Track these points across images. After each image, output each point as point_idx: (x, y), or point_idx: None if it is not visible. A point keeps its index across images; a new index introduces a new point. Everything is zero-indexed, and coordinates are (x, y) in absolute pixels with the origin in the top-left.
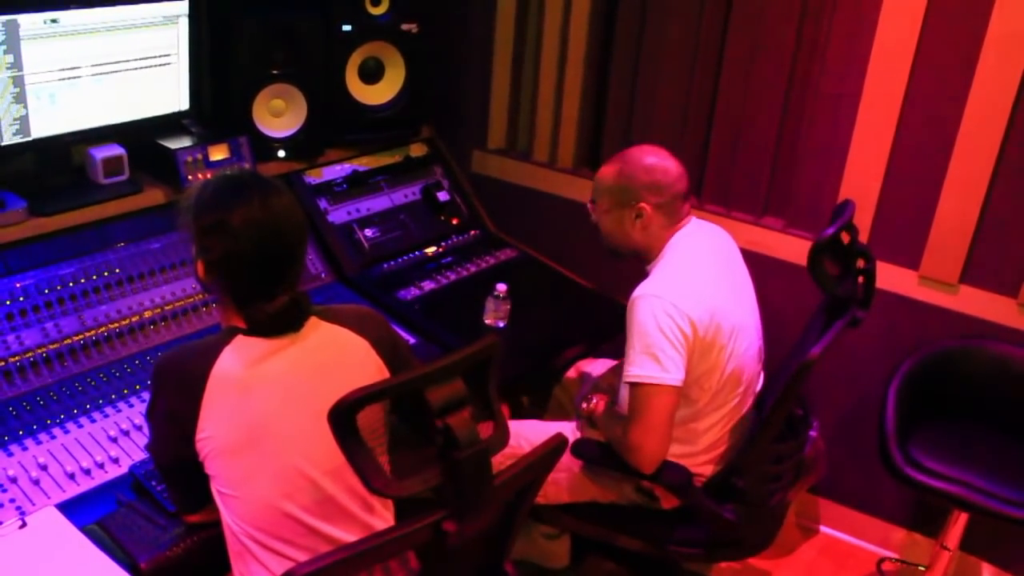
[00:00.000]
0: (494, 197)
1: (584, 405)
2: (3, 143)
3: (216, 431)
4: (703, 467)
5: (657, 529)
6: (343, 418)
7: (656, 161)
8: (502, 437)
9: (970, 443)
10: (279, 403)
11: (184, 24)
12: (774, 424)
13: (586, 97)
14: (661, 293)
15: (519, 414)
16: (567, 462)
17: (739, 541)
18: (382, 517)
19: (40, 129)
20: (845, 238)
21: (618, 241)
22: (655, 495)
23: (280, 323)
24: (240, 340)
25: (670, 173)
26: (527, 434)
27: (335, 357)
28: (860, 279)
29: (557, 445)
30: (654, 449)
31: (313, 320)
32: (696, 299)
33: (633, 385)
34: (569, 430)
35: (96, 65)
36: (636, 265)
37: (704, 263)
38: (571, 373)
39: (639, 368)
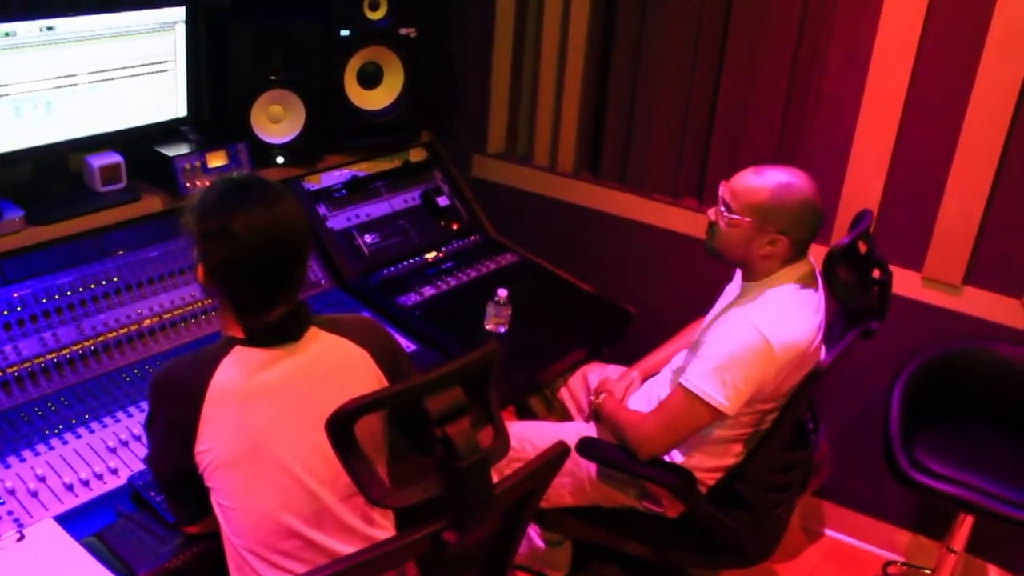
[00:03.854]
0: (494, 202)
1: (592, 398)
2: None
3: (215, 443)
4: (713, 474)
5: (662, 535)
6: (341, 429)
7: (815, 199)
8: (503, 446)
9: (975, 445)
10: (278, 414)
11: (181, 30)
12: (782, 432)
13: (586, 101)
14: (769, 335)
15: (525, 415)
16: (570, 466)
17: (742, 548)
18: (382, 528)
19: (37, 137)
20: (862, 247)
21: (731, 252)
22: (660, 501)
23: (279, 334)
24: (238, 351)
25: (820, 216)
26: (532, 437)
27: (335, 368)
28: (875, 289)
29: (559, 453)
30: (661, 447)
31: (313, 330)
32: (794, 350)
33: (687, 391)
34: (575, 432)
35: (93, 72)
36: (643, 271)
37: (809, 309)
38: (577, 377)
39: (703, 383)
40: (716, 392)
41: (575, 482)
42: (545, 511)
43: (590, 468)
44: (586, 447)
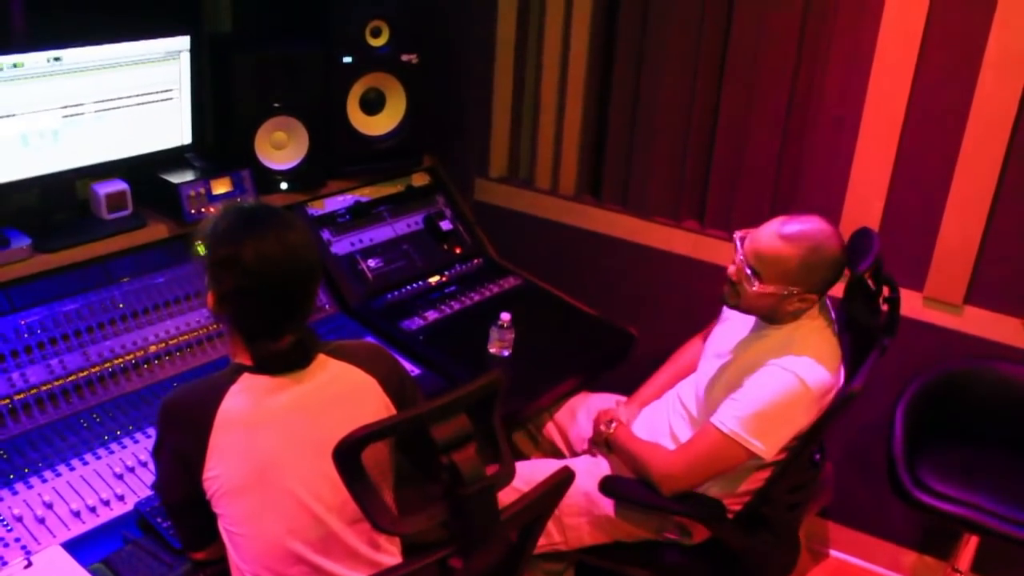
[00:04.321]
0: (497, 225)
1: (602, 428)
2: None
3: (223, 470)
4: (739, 499)
5: (683, 564)
6: (348, 456)
7: (842, 253)
8: (508, 472)
9: (979, 465)
10: (285, 441)
11: (186, 59)
12: (807, 453)
13: (587, 124)
14: (809, 380)
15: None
16: (587, 506)
17: (766, 570)
18: (389, 553)
19: (44, 166)
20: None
21: (757, 312)
22: (683, 530)
23: (287, 361)
24: (246, 378)
25: (841, 261)
26: (527, 474)
27: (342, 395)
28: (885, 308)
29: (563, 479)
30: (687, 485)
31: (321, 357)
32: (832, 389)
33: (722, 433)
34: (582, 468)
35: (99, 101)
36: (644, 293)
37: (834, 342)
38: (564, 411)
39: (741, 428)
40: (754, 438)
41: (593, 521)
42: (563, 553)
43: (608, 506)
44: (610, 486)
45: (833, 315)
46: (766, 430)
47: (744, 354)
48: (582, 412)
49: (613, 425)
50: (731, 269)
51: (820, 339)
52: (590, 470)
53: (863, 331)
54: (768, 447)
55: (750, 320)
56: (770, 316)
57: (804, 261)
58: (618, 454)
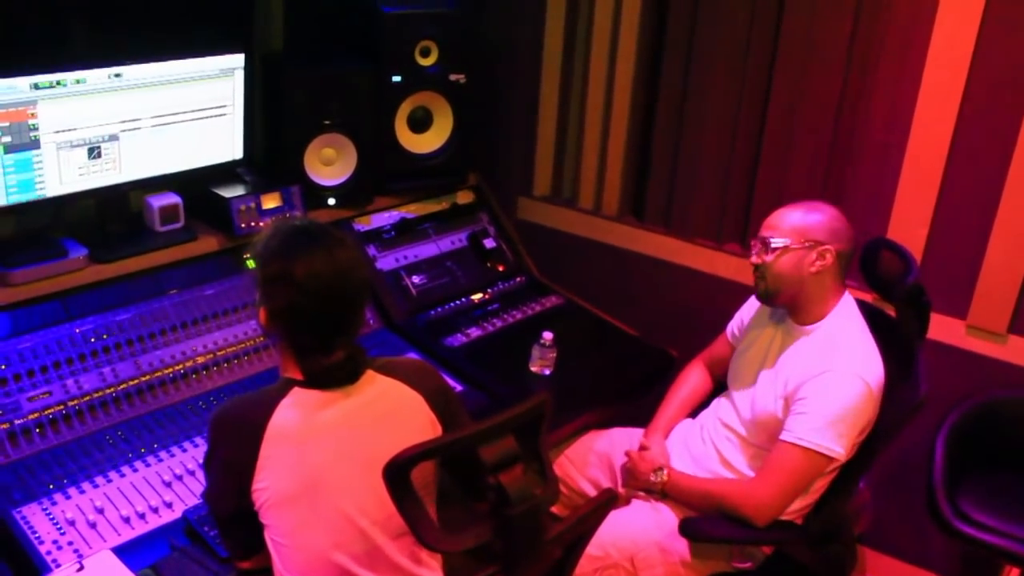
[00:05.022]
0: (539, 244)
1: (654, 478)
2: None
3: (273, 482)
4: (802, 512)
5: None
6: (398, 474)
7: (847, 226)
8: (553, 493)
9: (1021, 495)
10: (333, 454)
11: (240, 76)
12: (869, 463)
13: (631, 145)
14: (869, 378)
15: None
16: (658, 556)
17: None
18: (429, 567)
19: (102, 178)
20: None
21: (784, 282)
22: (751, 555)
23: (336, 376)
24: (297, 392)
25: (852, 232)
26: (617, 540)
27: (389, 411)
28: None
29: (607, 500)
30: (781, 508)
31: (369, 373)
32: (883, 382)
33: (804, 449)
34: (644, 520)
35: (155, 116)
36: (685, 315)
37: (869, 333)
38: (576, 447)
39: (821, 438)
40: (833, 443)
41: (669, 569)
42: None
43: (684, 549)
44: (693, 529)
45: (859, 310)
46: (840, 435)
47: (791, 364)
48: (601, 445)
49: (664, 473)
50: (753, 258)
51: (864, 335)
52: (655, 519)
53: (899, 341)
54: (845, 451)
55: (778, 333)
56: (798, 289)
57: (806, 212)
58: (680, 498)
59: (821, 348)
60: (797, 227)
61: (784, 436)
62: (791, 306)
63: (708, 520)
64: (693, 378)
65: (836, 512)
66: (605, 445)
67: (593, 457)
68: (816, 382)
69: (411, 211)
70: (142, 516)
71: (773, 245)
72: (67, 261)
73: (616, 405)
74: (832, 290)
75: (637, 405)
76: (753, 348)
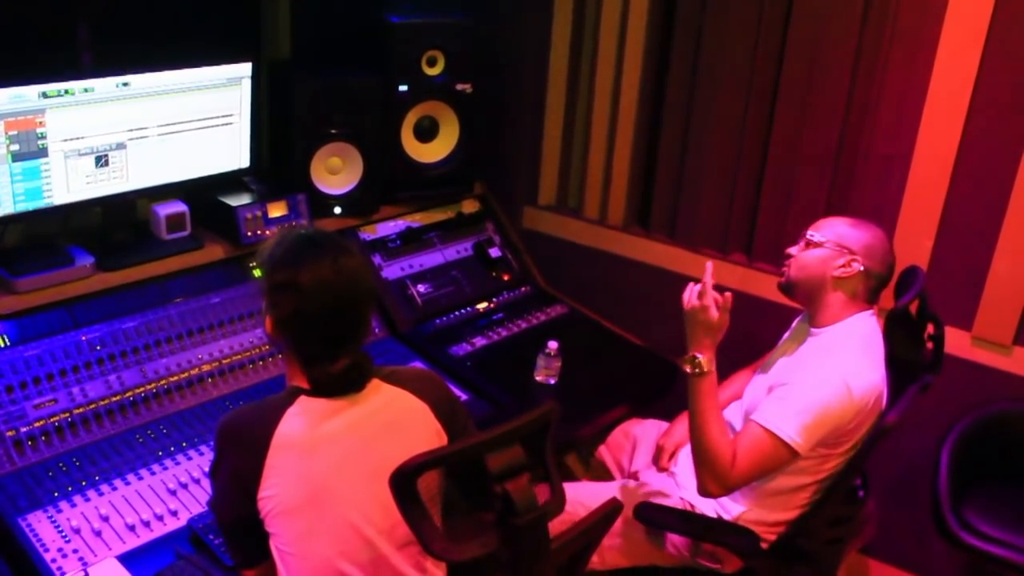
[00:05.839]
0: (545, 253)
1: (670, 467)
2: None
3: (279, 491)
4: (774, 529)
5: None
6: (404, 483)
7: (890, 246)
8: (559, 502)
9: None
10: (339, 463)
11: (247, 85)
12: (845, 484)
13: (636, 155)
14: (852, 382)
15: (566, 476)
16: (624, 527)
17: None
18: None
19: (109, 186)
20: (913, 305)
21: (805, 274)
22: (717, 557)
23: (342, 385)
24: (303, 401)
25: (893, 259)
26: (583, 498)
27: (395, 420)
28: (930, 345)
29: (612, 510)
30: (733, 485)
31: (375, 382)
32: (872, 393)
33: (764, 430)
34: (622, 491)
35: (162, 125)
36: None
37: (879, 354)
38: (616, 434)
39: (783, 423)
40: (795, 434)
41: (629, 543)
42: (599, 573)
43: (642, 529)
44: (644, 513)
45: (880, 333)
46: (805, 426)
47: (786, 359)
48: (634, 438)
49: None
50: (791, 248)
51: (868, 344)
52: (629, 494)
53: (904, 366)
54: (805, 440)
55: (795, 337)
56: (817, 286)
57: (853, 225)
58: (697, 400)
59: (817, 349)
60: (838, 231)
61: (753, 415)
62: (808, 305)
63: (659, 507)
64: (736, 381)
65: (801, 528)
66: (640, 434)
67: (631, 442)
68: (798, 374)
69: (417, 220)
70: (147, 524)
71: (811, 240)
72: (74, 269)
73: (620, 415)
74: (850, 303)
75: (642, 415)
76: (773, 353)
